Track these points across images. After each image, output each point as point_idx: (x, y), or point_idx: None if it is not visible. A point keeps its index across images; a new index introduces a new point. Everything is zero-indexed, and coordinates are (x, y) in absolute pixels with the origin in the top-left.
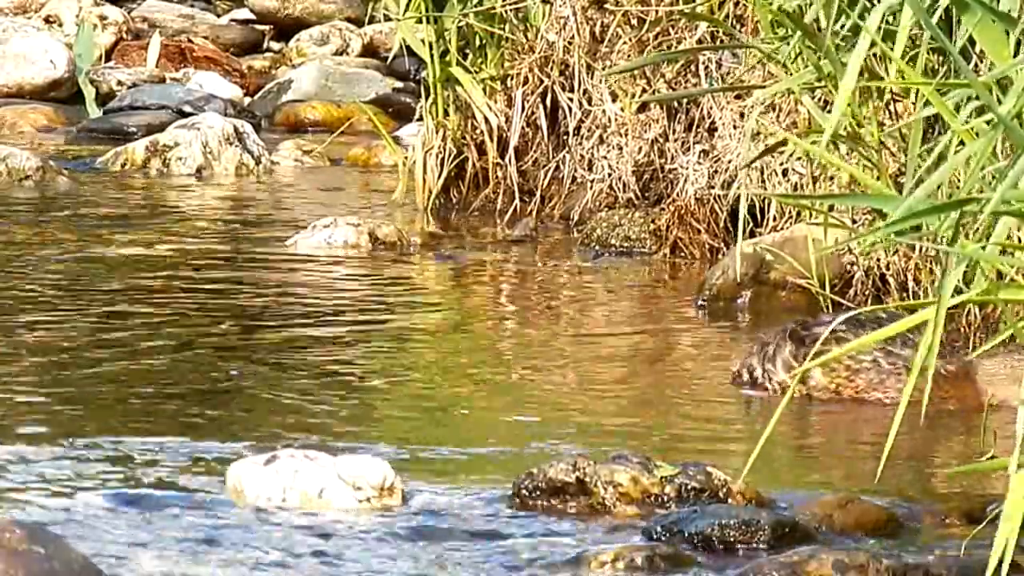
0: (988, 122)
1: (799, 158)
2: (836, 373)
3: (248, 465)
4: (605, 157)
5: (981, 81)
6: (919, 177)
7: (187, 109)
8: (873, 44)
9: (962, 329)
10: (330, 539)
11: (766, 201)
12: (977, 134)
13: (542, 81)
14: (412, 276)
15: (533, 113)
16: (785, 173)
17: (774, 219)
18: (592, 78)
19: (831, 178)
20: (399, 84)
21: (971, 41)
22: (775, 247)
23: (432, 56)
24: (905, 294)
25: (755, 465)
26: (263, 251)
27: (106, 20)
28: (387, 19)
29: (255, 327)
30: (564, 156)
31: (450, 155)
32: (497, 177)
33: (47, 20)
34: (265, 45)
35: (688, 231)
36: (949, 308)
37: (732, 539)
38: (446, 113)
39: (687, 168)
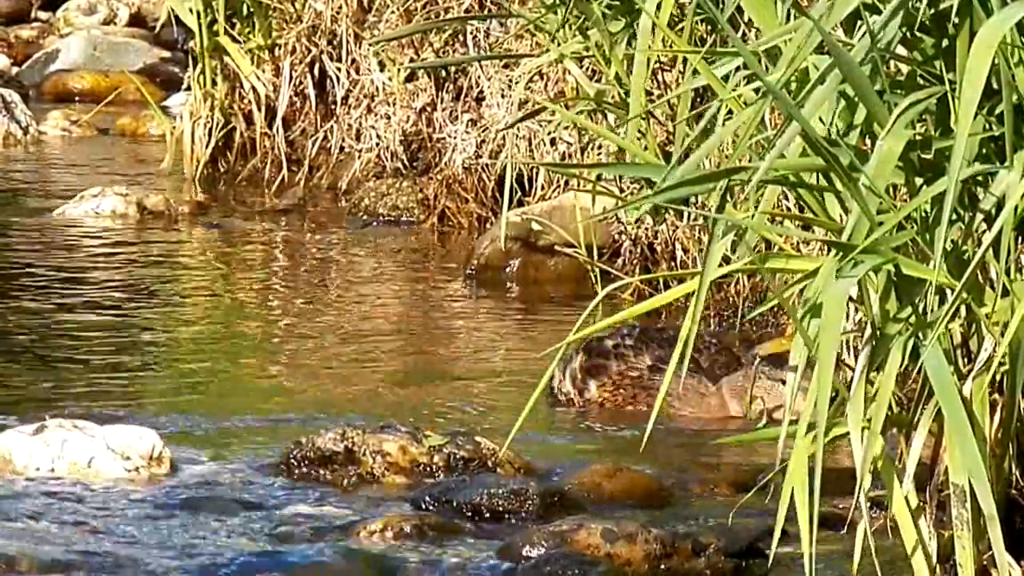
0: (757, 91)
1: (567, 127)
2: (622, 390)
3: (16, 435)
4: (373, 127)
5: (749, 50)
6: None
7: None
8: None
9: (731, 299)
10: (98, 509)
11: (534, 170)
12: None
13: (310, 50)
14: (180, 245)
15: (301, 83)
16: (553, 142)
17: (542, 188)
18: (360, 47)
19: (600, 147)
20: (167, 54)
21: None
22: (543, 216)
23: (200, 26)
24: (673, 263)
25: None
26: (31, 221)
27: None
28: None
29: (23, 297)
30: (332, 126)
31: (218, 125)
32: (265, 147)
33: None
34: (33, 15)
35: (456, 200)
36: (718, 278)
37: (501, 508)
38: (214, 83)
39: (455, 137)
